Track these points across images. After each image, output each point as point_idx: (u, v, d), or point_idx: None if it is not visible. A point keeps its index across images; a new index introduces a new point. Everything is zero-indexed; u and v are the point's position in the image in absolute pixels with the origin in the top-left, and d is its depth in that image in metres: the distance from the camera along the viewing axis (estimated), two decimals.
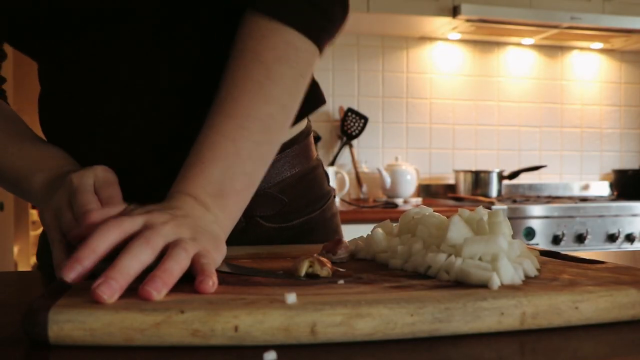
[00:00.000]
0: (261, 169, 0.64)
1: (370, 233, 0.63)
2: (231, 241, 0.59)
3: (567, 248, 2.35)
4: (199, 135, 0.61)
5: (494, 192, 2.78)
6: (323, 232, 0.84)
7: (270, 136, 0.63)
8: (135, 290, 0.43)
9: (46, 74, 0.77)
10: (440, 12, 2.51)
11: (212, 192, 0.58)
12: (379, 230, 0.62)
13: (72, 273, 0.44)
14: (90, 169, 0.64)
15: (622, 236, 2.43)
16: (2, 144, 0.72)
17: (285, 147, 0.78)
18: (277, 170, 0.77)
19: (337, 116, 2.80)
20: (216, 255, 0.52)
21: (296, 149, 0.80)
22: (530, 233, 2.35)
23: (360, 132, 2.74)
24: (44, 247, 0.81)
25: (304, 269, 0.50)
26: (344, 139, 2.75)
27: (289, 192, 0.79)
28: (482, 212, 0.54)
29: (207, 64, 0.71)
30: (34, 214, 4.19)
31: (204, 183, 0.58)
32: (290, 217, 0.80)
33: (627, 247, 2.43)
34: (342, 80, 2.82)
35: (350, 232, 0.89)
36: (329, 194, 0.85)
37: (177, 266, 0.45)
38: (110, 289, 0.40)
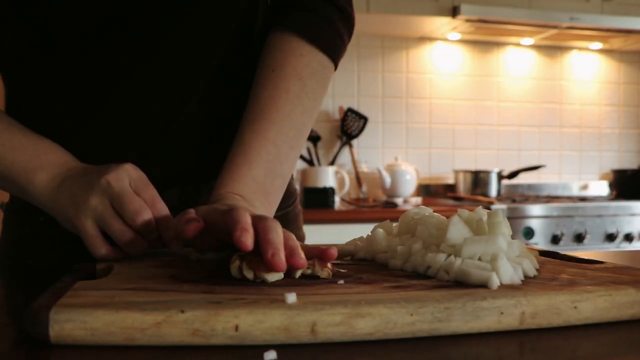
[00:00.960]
0: (291, 171, 0.73)
1: (370, 233, 0.63)
2: None
3: (566, 248, 2.35)
4: (241, 136, 0.69)
5: (493, 191, 2.79)
6: (295, 227, 0.87)
7: (300, 142, 0.73)
8: (135, 290, 0.43)
9: (25, 73, 0.72)
10: (440, 12, 2.51)
11: (256, 190, 0.67)
12: (379, 230, 0.62)
13: (249, 238, 0.48)
14: (121, 169, 0.61)
15: (620, 236, 2.43)
16: None
17: None
18: None
19: (337, 116, 2.80)
20: None
21: None
22: (529, 233, 2.35)
23: (360, 132, 2.74)
24: (5, 251, 0.79)
25: (300, 270, 0.50)
26: (344, 138, 2.75)
27: None
28: (481, 212, 0.54)
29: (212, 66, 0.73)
30: None
31: (250, 182, 0.66)
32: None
33: (626, 246, 2.43)
34: (342, 80, 2.82)
35: (350, 232, 0.89)
36: (296, 192, 0.90)
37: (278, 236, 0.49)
38: (282, 259, 0.46)
